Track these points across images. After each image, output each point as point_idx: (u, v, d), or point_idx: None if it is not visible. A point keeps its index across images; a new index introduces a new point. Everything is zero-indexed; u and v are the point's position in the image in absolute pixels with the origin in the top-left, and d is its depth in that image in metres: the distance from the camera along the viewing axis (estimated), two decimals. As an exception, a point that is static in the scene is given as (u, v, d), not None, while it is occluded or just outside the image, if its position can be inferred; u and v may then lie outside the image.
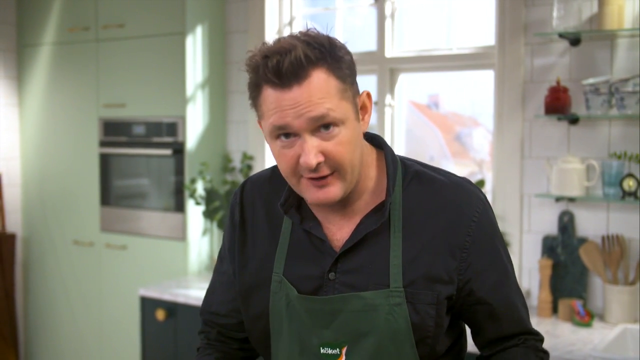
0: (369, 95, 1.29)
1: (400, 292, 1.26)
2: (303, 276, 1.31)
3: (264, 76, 1.18)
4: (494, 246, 1.32)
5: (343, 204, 1.30)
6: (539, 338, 1.40)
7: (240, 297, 1.40)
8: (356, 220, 1.31)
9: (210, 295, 1.50)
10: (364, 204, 1.32)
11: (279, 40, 1.20)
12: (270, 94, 1.19)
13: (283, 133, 1.20)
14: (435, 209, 1.29)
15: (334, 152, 1.20)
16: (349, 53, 1.25)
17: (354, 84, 1.25)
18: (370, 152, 1.34)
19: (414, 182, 1.32)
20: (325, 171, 1.21)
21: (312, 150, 1.18)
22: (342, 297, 1.27)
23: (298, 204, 1.34)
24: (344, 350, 1.28)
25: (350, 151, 1.21)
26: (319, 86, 1.17)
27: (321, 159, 1.19)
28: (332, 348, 1.28)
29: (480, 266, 1.30)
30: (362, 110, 1.28)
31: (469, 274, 1.29)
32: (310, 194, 1.24)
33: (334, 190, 1.23)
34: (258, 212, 1.40)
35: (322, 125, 1.19)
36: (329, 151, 1.20)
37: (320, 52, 1.18)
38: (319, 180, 1.22)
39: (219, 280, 1.47)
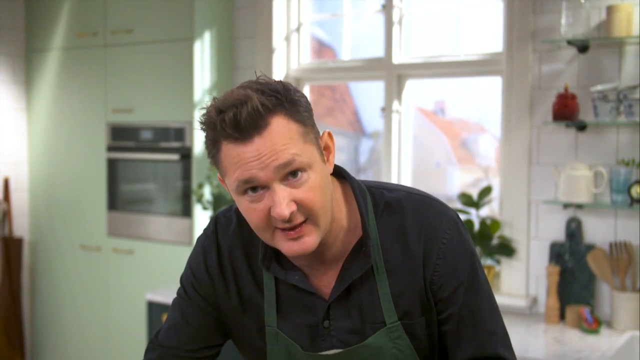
0: (330, 135, 1.24)
1: (398, 326, 1.27)
2: (298, 328, 1.30)
3: (222, 132, 1.13)
4: (464, 270, 1.28)
5: (322, 250, 1.26)
6: None
7: (235, 342, 1.40)
8: (337, 263, 1.29)
9: (169, 329, 1.40)
10: (342, 244, 1.29)
11: (231, 93, 1.15)
12: (230, 149, 1.14)
13: (250, 187, 1.15)
14: (410, 238, 1.27)
15: (305, 200, 1.15)
16: (304, 95, 1.20)
17: (314, 126, 1.20)
18: (337, 187, 1.30)
19: (386, 213, 1.29)
20: (299, 219, 1.16)
21: (283, 200, 1.13)
22: (348, 352, 1.28)
23: (276, 254, 1.30)
24: None
25: (321, 195, 1.17)
26: (281, 133, 1.13)
27: (293, 208, 1.15)
28: None
29: (452, 287, 1.27)
30: (325, 150, 1.23)
31: (441, 295, 1.28)
32: (286, 246, 1.19)
33: (310, 240, 1.18)
34: (238, 260, 1.34)
35: (290, 173, 1.14)
36: (300, 199, 1.15)
37: (276, 99, 1.14)
38: (294, 231, 1.17)
39: (182, 314, 1.39)
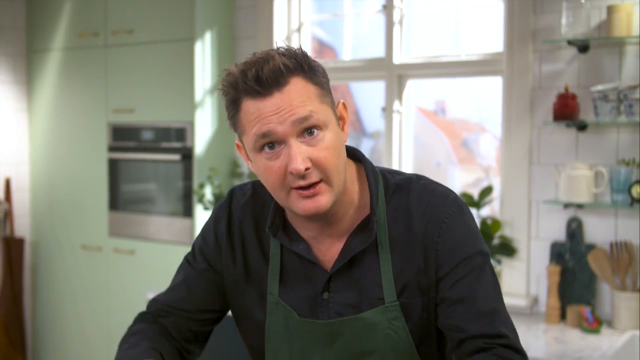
0: (344, 105, 1.30)
1: (396, 306, 1.28)
2: (298, 298, 1.32)
3: (244, 87, 1.19)
4: (465, 249, 1.28)
5: (330, 222, 1.30)
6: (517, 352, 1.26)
7: (236, 315, 1.42)
8: (344, 238, 1.31)
9: (175, 292, 1.44)
10: (350, 220, 1.32)
11: (254, 55, 1.22)
12: (250, 105, 1.20)
13: (267, 143, 1.20)
14: (413, 217, 1.30)
15: (320, 157, 1.20)
16: (320, 65, 1.27)
17: (330, 93, 1.26)
18: (351, 166, 1.34)
19: (396, 194, 1.32)
20: (313, 177, 1.20)
21: (299, 155, 1.18)
22: (342, 321, 1.29)
23: (284, 225, 1.34)
24: None
25: (335, 156, 1.22)
26: (299, 91, 1.19)
27: (309, 164, 1.19)
28: None
29: (449, 267, 1.27)
30: (340, 120, 1.28)
31: (441, 273, 1.28)
32: (301, 204, 1.22)
33: (324, 199, 1.22)
34: (248, 232, 1.39)
35: (306, 130, 1.19)
36: (315, 156, 1.20)
37: (296, 61, 1.21)
38: (309, 189, 1.21)
39: (185, 279, 1.44)
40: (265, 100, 1.18)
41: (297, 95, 1.19)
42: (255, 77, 1.18)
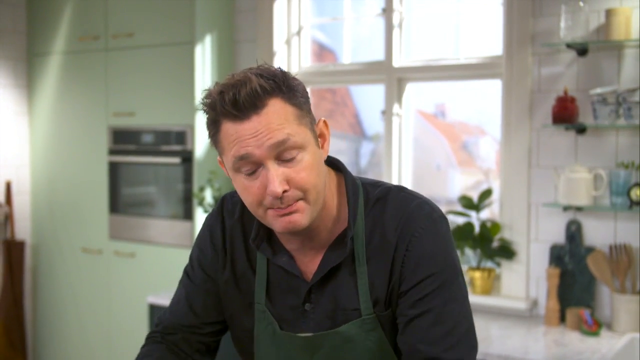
0: (325, 123, 1.30)
1: (372, 318, 1.30)
2: (283, 308, 1.35)
3: (222, 110, 1.19)
4: (432, 264, 1.27)
5: (312, 235, 1.31)
6: None
7: (227, 319, 1.44)
8: (325, 250, 1.33)
9: (177, 309, 1.47)
10: (329, 233, 1.33)
11: (232, 76, 1.22)
12: (229, 128, 1.20)
13: (245, 165, 1.20)
14: (387, 229, 1.30)
15: (298, 179, 1.21)
16: (301, 83, 1.26)
17: (309, 112, 1.26)
18: (332, 179, 1.34)
19: (375, 207, 1.32)
20: (291, 200, 1.21)
21: (276, 178, 1.19)
22: (320, 336, 1.31)
23: (269, 236, 1.36)
24: None
25: (313, 175, 1.22)
26: (277, 114, 1.19)
27: (286, 186, 1.20)
28: None
29: (413, 282, 1.27)
30: (320, 138, 1.28)
31: (402, 289, 1.28)
32: (278, 223, 1.24)
33: (300, 217, 1.23)
34: (236, 238, 1.41)
35: (284, 152, 1.20)
36: (292, 178, 1.20)
37: (274, 82, 1.20)
38: (285, 208, 1.22)
39: (183, 294, 1.46)
40: (243, 124, 1.19)
41: (274, 118, 1.19)
42: (232, 101, 1.18)
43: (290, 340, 1.34)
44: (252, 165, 1.21)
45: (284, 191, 1.20)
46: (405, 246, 1.28)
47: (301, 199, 1.22)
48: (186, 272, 1.47)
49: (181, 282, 1.49)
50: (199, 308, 1.44)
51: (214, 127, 1.24)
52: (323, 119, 1.30)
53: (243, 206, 1.40)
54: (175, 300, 1.49)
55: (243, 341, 1.43)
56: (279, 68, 1.25)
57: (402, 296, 1.28)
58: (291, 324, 1.34)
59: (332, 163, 1.37)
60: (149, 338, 1.51)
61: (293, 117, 1.21)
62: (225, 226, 1.42)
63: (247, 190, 1.23)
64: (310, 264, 1.34)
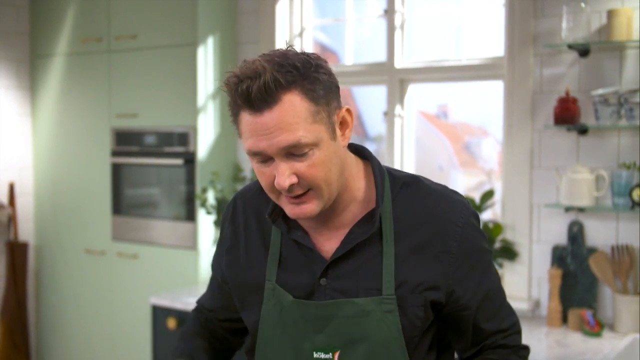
0: (348, 110, 1.29)
1: (392, 299, 1.30)
2: (295, 283, 1.35)
3: (237, 100, 1.20)
4: (479, 251, 1.36)
5: (328, 216, 1.33)
6: (519, 331, 1.46)
7: (238, 306, 1.46)
8: (344, 231, 1.34)
9: (206, 292, 1.61)
10: (352, 215, 1.34)
11: (252, 62, 1.20)
12: (245, 117, 1.21)
13: (257, 156, 1.23)
14: (422, 217, 1.33)
15: (307, 174, 1.22)
16: (326, 72, 1.24)
17: (329, 103, 1.24)
18: (357, 164, 1.36)
19: (403, 190, 1.35)
20: (298, 191, 1.23)
21: (284, 172, 1.21)
22: (336, 303, 1.31)
23: (284, 214, 1.37)
24: (336, 355, 1.31)
25: (324, 171, 1.23)
26: (290, 111, 1.18)
27: (294, 180, 1.21)
28: (325, 352, 1.32)
29: (467, 270, 1.33)
30: (342, 125, 1.28)
31: (456, 278, 1.32)
32: (288, 209, 1.27)
33: (309, 207, 1.25)
34: (250, 223, 1.43)
35: (295, 150, 1.20)
36: (301, 172, 1.21)
37: (291, 75, 1.18)
38: (295, 198, 1.25)
39: (211, 284, 1.58)
40: (256, 117, 1.19)
41: (287, 116, 1.18)
42: (245, 94, 1.18)
43: (302, 310, 1.32)
44: (263, 157, 1.22)
45: (292, 184, 1.21)
46: (451, 236, 1.32)
47: (310, 190, 1.24)
48: (212, 265, 1.54)
49: (211, 275, 1.58)
50: (222, 304, 1.54)
51: (233, 109, 1.24)
52: (347, 106, 1.29)
53: (257, 186, 1.43)
54: (207, 289, 1.60)
55: (250, 325, 1.44)
56: (306, 56, 1.23)
57: (456, 285, 1.32)
58: (303, 298, 1.34)
59: (359, 150, 1.39)
60: (194, 311, 1.63)
61: (308, 113, 1.20)
62: (236, 209, 1.45)
63: (261, 175, 1.25)
64: (326, 243, 1.35)
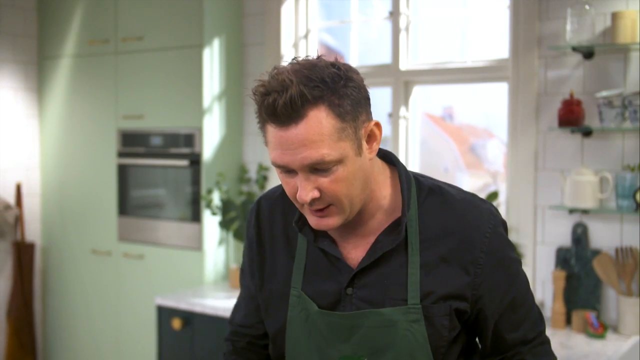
0: (377, 124, 1.26)
1: (418, 309, 1.28)
2: (321, 291, 1.34)
3: (263, 113, 1.20)
4: (507, 260, 1.34)
5: (355, 224, 1.32)
6: (545, 341, 1.42)
7: (262, 311, 1.44)
8: (371, 239, 1.33)
9: (237, 308, 1.55)
10: (378, 223, 1.33)
11: (281, 73, 1.17)
12: (270, 129, 1.20)
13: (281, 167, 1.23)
14: (449, 226, 1.31)
15: (329, 189, 1.21)
16: (355, 86, 1.20)
17: (357, 119, 1.20)
18: (383, 171, 1.35)
19: (429, 198, 1.34)
20: (320, 205, 1.23)
21: (306, 187, 1.20)
22: (362, 314, 1.30)
23: None
24: None
25: (347, 187, 1.22)
26: (316, 128, 1.16)
27: (316, 195, 1.21)
28: None
29: (494, 281, 1.32)
30: (369, 138, 1.25)
31: (483, 289, 1.31)
32: (311, 219, 1.27)
33: (331, 220, 1.25)
34: (276, 228, 1.42)
35: (318, 166, 1.19)
36: (324, 187, 1.21)
37: (319, 90, 1.16)
38: (317, 211, 1.25)
39: (242, 294, 1.53)
40: (281, 131, 1.18)
41: (312, 133, 1.16)
42: (270, 108, 1.17)
43: (328, 321, 1.32)
44: (287, 169, 1.22)
45: (313, 199, 1.21)
46: (479, 247, 1.30)
47: (332, 204, 1.24)
48: (241, 273, 1.52)
49: (240, 284, 1.54)
50: (253, 315, 1.49)
51: (260, 119, 1.23)
52: (375, 121, 1.25)
53: (283, 194, 1.42)
54: (237, 301, 1.55)
55: (278, 345, 1.42)
56: (336, 68, 1.19)
57: (484, 294, 1.32)
58: (329, 307, 1.33)
59: (385, 155, 1.37)
60: (225, 347, 1.57)
61: (333, 130, 1.17)
62: (260, 215, 1.44)
63: (286, 185, 1.26)
64: (352, 251, 1.34)
